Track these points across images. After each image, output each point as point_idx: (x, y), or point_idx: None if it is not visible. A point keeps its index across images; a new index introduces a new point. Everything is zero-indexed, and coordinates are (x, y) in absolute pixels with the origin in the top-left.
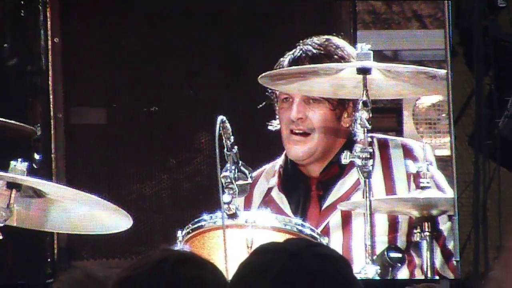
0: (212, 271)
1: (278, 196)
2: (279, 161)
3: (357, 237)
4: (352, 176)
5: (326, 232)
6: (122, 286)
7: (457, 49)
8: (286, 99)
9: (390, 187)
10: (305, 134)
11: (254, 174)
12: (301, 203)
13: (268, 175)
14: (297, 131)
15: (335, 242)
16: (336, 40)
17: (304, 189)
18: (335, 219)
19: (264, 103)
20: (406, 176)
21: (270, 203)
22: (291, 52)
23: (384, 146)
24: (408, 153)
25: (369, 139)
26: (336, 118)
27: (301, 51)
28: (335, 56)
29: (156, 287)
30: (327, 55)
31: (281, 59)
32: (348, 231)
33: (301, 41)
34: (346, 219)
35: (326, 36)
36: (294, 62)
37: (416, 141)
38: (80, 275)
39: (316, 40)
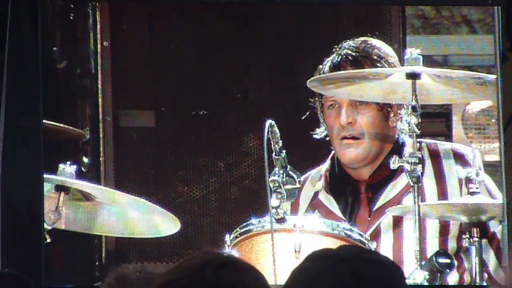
0: (254, 275)
1: (326, 199)
2: (325, 165)
3: (408, 241)
4: (403, 179)
5: (376, 235)
6: None
7: (507, 55)
8: (332, 105)
9: (442, 193)
10: (356, 138)
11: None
12: (350, 206)
13: (313, 180)
14: (348, 136)
15: (385, 245)
16: (373, 41)
17: (353, 192)
18: (385, 221)
19: (308, 113)
20: (458, 181)
21: (318, 206)
22: (329, 58)
23: (434, 151)
24: (458, 158)
25: (418, 144)
26: (384, 118)
27: (340, 56)
28: (374, 57)
29: None
30: (366, 57)
31: (320, 66)
32: (399, 234)
33: (336, 46)
34: (397, 222)
35: (362, 38)
36: (335, 68)
37: (465, 146)
38: (111, 278)
39: (352, 43)
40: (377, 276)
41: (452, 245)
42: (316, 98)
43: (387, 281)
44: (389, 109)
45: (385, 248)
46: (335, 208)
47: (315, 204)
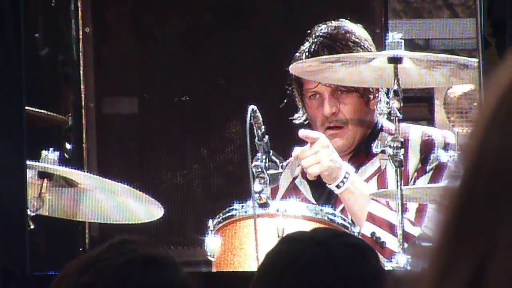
0: (176, 270)
1: (302, 185)
2: None
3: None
4: (374, 164)
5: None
6: None
7: (489, 40)
8: (313, 96)
9: (404, 177)
10: (339, 127)
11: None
12: (326, 192)
13: (293, 166)
14: (332, 126)
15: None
16: (346, 25)
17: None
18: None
19: (285, 101)
20: (416, 165)
21: (293, 190)
22: (305, 47)
23: (404, 135)
24: (426, 143)
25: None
26: (365, 104)
27: (315, 44)
28: (350, 43)
29: None
30: (342, 44)
31: (297, 54)
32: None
33: (309, 31)
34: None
35: (335, 23)
36: (313, 56)
37: (435, 130)
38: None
39: (325, 30)
40: (352, 258)
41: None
42: (294, 86)
43: (362, 263)
44: (369, 95)
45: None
46: (308, 194)
47: (291, 189)
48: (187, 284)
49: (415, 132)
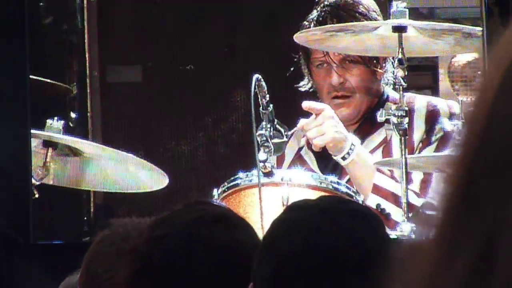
0: (246, 232)
1: (307, 155)
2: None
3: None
4: (380, 134)
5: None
6: (158, 244)
7: (492, 9)
8: (320, 65)
9: (409, 147)
10: (346, 96)
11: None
12: (331, 163)
13: (298, 136)
14: (339, 95)
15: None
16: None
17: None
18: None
19: (292, 69)
20: (421, 135)
21: (299, 161)
22: (312, 16)
23: (410, 105)
24: (431, 113)
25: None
26: (371, 73)
27: (323, 13)
28: (357, 14)
29: (193, 246)
30: (349, 13)
31: (305, 22)
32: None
33: (317, 1)
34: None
35: None
36: (320, 25)
37: (441, 100)
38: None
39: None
40: (356, 225)
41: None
42: (301, 54)
43: (366, 230)
44: (376, 64)
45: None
46: (314, 165)
47: (296, 159)
48: (254, 244)
49: (420, 102)
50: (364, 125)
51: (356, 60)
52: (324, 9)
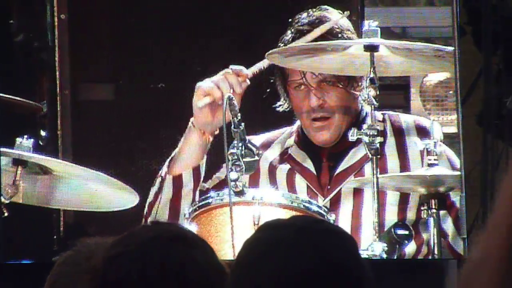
0: (206, 251)
1: (297, 152)
2: (291, 129)
3: (367, 209)
4: (362, 149)
5: (337, 199)
6: (112, 263)
7: (465, 29)
8: (298, 87)
9: (404, 166)
10: (326, 118)
11: (264, 139)
12: (326, 156)
13: (283, 140)
14: (319, 117)
15: (344, 212)
16: (328, 14)
17: (316, 159)
18: (345, 189)
19: (268, 90)
20: (420, 154)
21: (288, 160)
22: (288, 37)
23: (396, 124)
24: (420, 130)
25: (381, 116)
26: (349, 94)
27: (299, 32)
28: (331, 33)
29: (147, 265)
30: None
31: (279, 44)
32: (359, 202)
33: (291, 20)
34: (357, 190)
35: (317, 12)
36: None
37: (426, 118)
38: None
39: (308, 18)
40: (331, 245)
41: (411, 216)
42: (277, 76)
43: (341, 250)
44: (354, 83)
45: (344, 215)
46: (307, 161)
47: (286, 159)
48: (212, 264)
49: (406, 120)
50: (342, 141)
51: (333, 81)
52: (297, 29)
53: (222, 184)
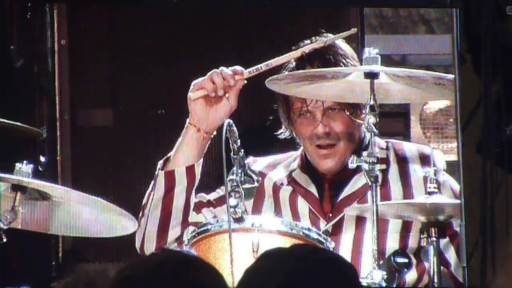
0: (213, 275)
1: (301, 176)
2: (296, 154)
3: (368, 238)
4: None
5: (339, 224)
6: (121, 286)
7: (465, 56)
8: (303, 114)
9: (408, 194)
10: (331, 145)
11: (270, 160)
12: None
13: (288, 164)
14: (324, 145)
15: (345, 241)
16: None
17: (318, 184)
18: (346, 217)
19: (271, 117)
20: (423, 181)
21: (292, 183)
22: (291, 64)
23: (400, 152)
24: (423, 158)
25: (384, 144)
26: (353, 121)
27: (299, 61)
28: (333, 60)
29: None
30: (327, 61)
31: (283, 71)
32: (360, 230)
33: (294, 47)
34: (359, 218)
35: (320, 39)
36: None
37: (429, 146)
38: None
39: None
40: (331, 274)
41: (412, 244)
42: (280, 103)
43: (340, 279)
44: (358, 110)
45: (345, 244)
46: (311, 186)
47: (290, 182)
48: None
49: (410, 148)
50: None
51: (339, 108)
52: (303, 57)
53: (224, 200)
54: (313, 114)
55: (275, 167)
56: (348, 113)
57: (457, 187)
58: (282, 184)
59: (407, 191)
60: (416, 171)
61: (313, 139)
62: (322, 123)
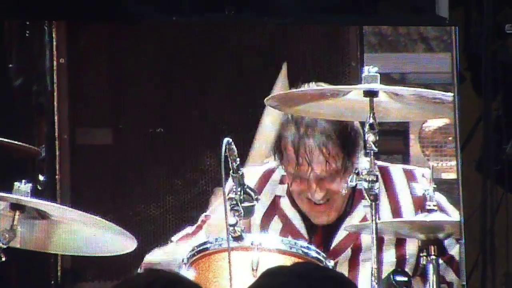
0: None
1: (292, 214)
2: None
3: (364, 275)
4: (360, 211)
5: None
6: None
7: (464, 75)
8: (297, 174)
9: (396, 211)
10: (327, 200)
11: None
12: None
13: (275, 181)
14: (319, 203)
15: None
16: None
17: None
18: (343, 256)
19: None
20: (412, 199)
21: (282, 217)
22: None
23: (385, 171)
24: (410, 177)
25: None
26: (344, 176)
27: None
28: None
29: None
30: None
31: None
32: (355, 267)
33: None
34: (354, 255)
35: None
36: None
37: (417, 166)
38: None
39: None
40: None
41: (410, 262)
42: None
43: None
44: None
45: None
46: (302, 228)
47: (278, 213)
48: None
49: (395, 170)
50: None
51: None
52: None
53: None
54: (308, 180)
55: (262, 189)
56: (340, 166)
57: (445, 203)
58: (270, 218)
59: (395, 209)
60: (404, 189)
61: (309, 199)
62: (317, 191)
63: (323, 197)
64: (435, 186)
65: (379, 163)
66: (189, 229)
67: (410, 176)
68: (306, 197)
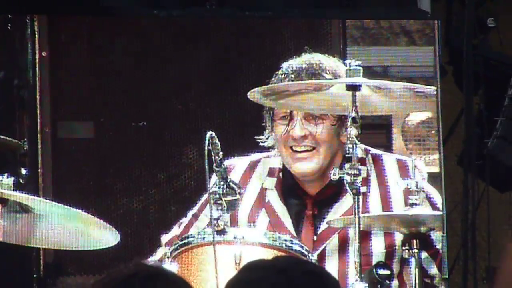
0: (182, 286)
1: (280, 208)
2: (276, 162)
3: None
4: (349, 198)
5: (322, 257)
6: None
7: (446, 69)
8: (284, 117)
9: (387, 205)
10: (310, 150)
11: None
12: (296, 222)
13: (261, 173)
14: (300, 149)
15: (331, 268)
16: (314, 58)
17: (299, 206)
18: (332, 244)
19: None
20: (402, 193)
21: (269, 210)
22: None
23: (378, 163)
24: (402, 169)
25: (363, 155)
26: (336, 133)
27: (285, 78)
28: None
29: None
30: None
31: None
32: (345, 256)
33: (280, 67)
34: (343, 244)
35: (303, 57)
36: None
37: (407, 157)
38: None
39: (295, 65)
40: (313, 286)
41: (396, 269)
42: (265, 108)
43: None
44: (341, 124)
45: (331, 271)
46: (288, 221)
47: (266, 208)
48: None
49: (388, 159)
50: (329, 187)
51: (321, 116)
52: (285, 72)
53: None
54: (292, 117)
55: (248, 182)
56: (330, 123)
57: (436, 197)
58: (257, 212)
59: (385, 203)
60: (396, 183)
61: (288, 140)
62: (300, 126)
63: (304, 136)
64: (424, 178)
65: (373, 151)
66: (176, 230)
67: (402, 167)
68: (290, 146)
